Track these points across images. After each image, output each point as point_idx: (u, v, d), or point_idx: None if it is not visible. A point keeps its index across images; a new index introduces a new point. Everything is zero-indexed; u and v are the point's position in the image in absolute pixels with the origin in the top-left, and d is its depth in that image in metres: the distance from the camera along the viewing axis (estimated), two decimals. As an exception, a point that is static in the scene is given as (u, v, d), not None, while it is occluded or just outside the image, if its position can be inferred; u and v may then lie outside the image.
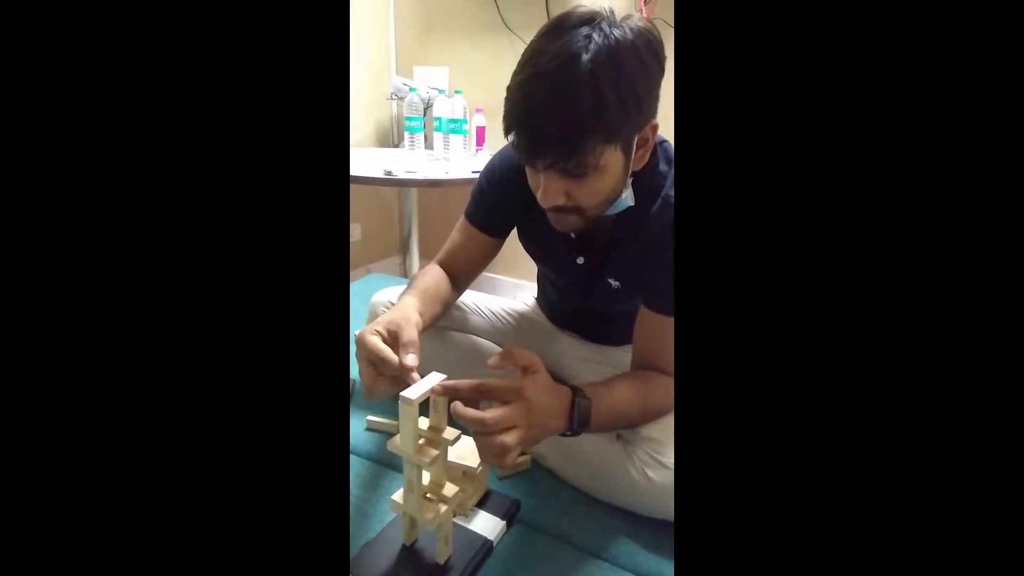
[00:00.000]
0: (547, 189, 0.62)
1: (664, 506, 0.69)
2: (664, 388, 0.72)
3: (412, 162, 1.73)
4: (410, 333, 0.62)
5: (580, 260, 0.78)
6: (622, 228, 0.71)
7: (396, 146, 2.19)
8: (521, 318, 0.99)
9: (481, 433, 0.55)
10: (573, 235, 0.75)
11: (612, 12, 0.58)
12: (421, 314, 0.70)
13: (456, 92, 1.81)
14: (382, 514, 0.71)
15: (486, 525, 0.69)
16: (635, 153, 0.63)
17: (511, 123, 0.59)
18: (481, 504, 0.72)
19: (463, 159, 1.79)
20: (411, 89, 1.83)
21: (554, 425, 0.62)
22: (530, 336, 0.96)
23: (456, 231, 0.88)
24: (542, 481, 0.78)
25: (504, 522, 0.70)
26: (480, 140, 1.89)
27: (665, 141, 0.70)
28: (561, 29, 0.56)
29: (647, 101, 0.60)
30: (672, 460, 0.68)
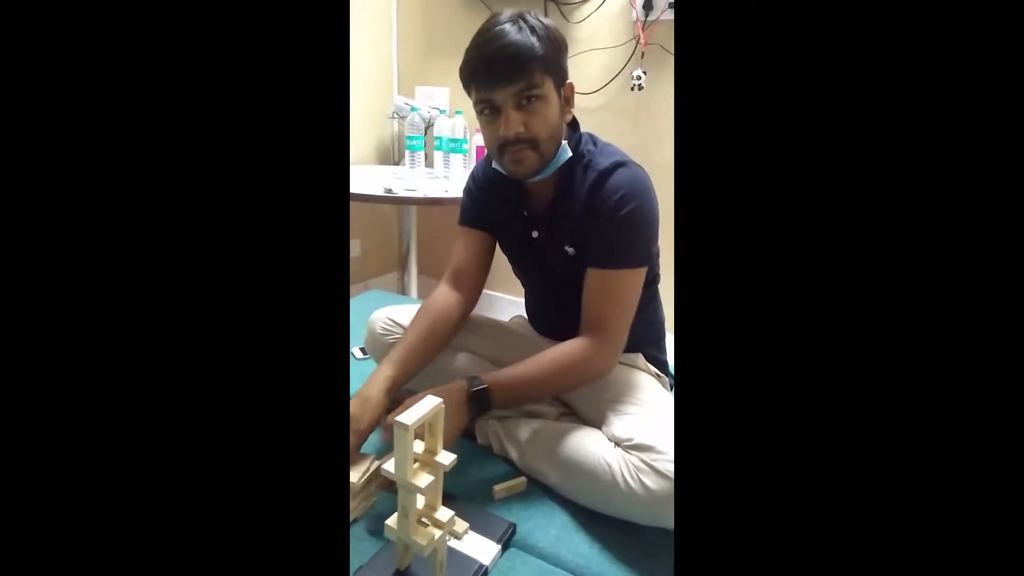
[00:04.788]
0: (508, 119, 0.78)
1: (662, 515, 0.69)
2: (584, 345, 0.81)
3: (412, 180, 1.74)
4: (365, 422, 0.75)
5: (535, 234, 0.89)
6: (559, 192, 0.85)
7: (397, 164, 2.20)
8: (511, 333, 1.00)
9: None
10: (525, 212, 0.90)
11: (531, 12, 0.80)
12: (393, 384, 0.80)
13: (457, 112, 1.83)
14: (375, 538, 0.70)
15: (480, 548, 0.68)
16: (563, 106, 0.81)
17: (471, 73, 0.78)
18: (475, 527, 0.71)
19: (463, 178, 1.80)
20: (412, 108, 1.86)
21: (453, 415, 0.72)
22: (520, 350, 0.96)
23: (456, 243, 0.97)
24: (537, 503, 0.78)
25: (499, 546, 0.69)
26: (479, 160, 1.90)
27: (588, 133, 0.88)
28: (496, 18, 0.78)
29: (563, 59, 0.80)
30: (669, 468, 0.68)
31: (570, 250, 0.85)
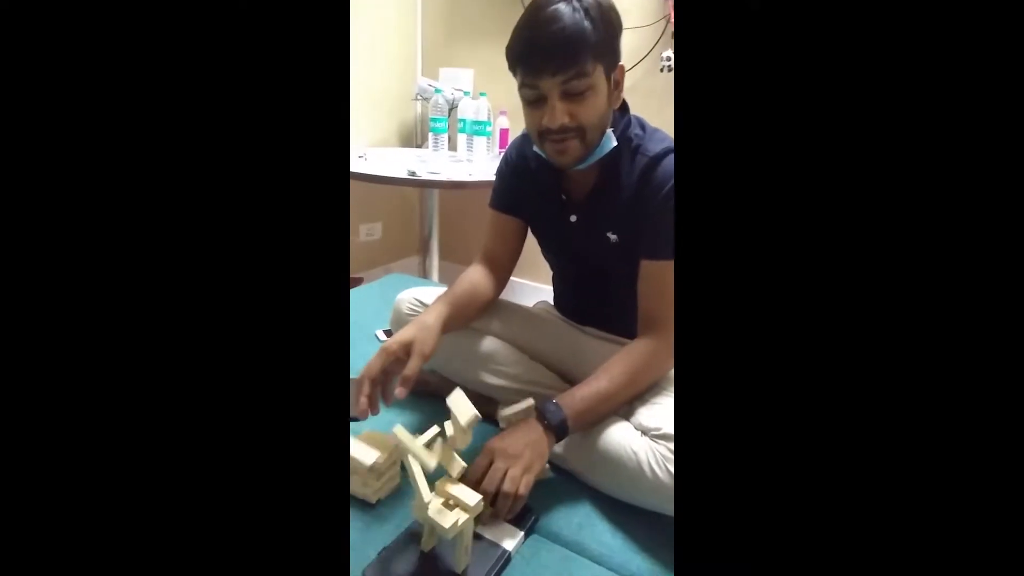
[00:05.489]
0: (554, 108, 0.74)
1: None
2: (647, 347, 0.78)
3: (435, 163, 1.73)
4: (423, 347, 0.74)
5: (573, 218, 0.87)
6: (603, 178, 0.82)
7: (419, 146, 2.19)
8: (536, 319, 0.99)
9: (489, 495, 0.66)
10: (564, 196, 0.87)
11: None
12: (445, 322, 0.80)
13: (480, 94, 1.81)
14: (399, 519, 0.71)
15: (503, 535, 0.68)
16: (612, 91, 0.77)
17: (517, 55, 0.74)
18: (499, 513, 0.71)
19: (486, 161, 1.79)
20: (436, 90, 1.84)
21: (539, 450, 0.71)
22: (549, 337, 0.96)
23: (488, 226, 0.97)
24: (561, 491, 0.77)
25: (522, 532, 0.69)
26: (503, 142, 1.89)
27: (637, 116, 0.85)
28: None
29: (617, 42, 0.76)
30: None
31: (612, 236, 0.83)
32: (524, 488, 0.67)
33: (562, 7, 0.71)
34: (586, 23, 0.70)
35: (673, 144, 0.80)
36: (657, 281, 0.79)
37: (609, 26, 0.73)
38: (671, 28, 1.60)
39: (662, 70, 1.62)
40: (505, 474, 0.67)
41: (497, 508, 0.67)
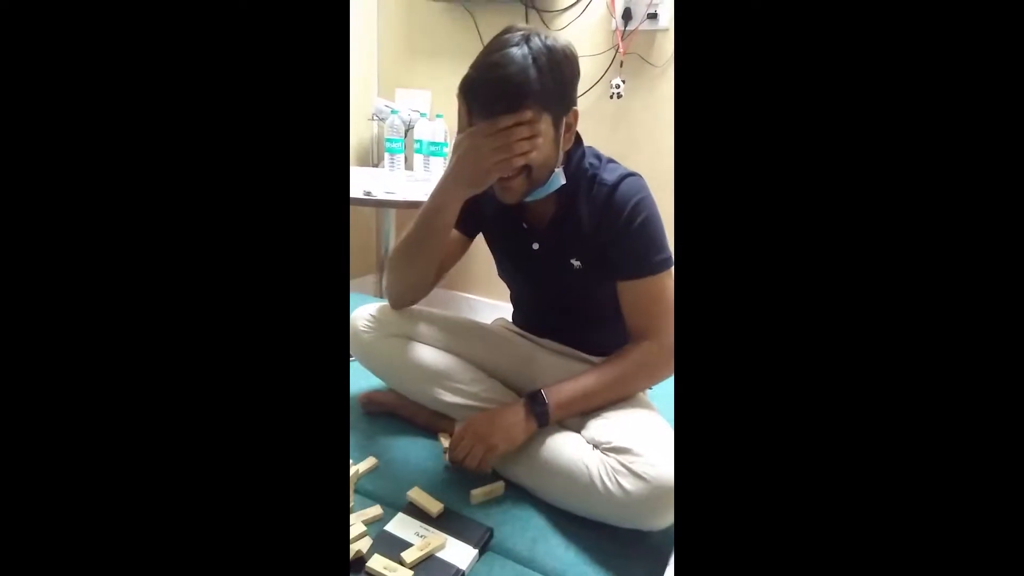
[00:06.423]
0: None
1: (638, 516, 0.70)
2: (639, 353, 0.82)
3: (391, 183, 1.73)
4: None
5: (536, 246, 0.89)
6: (562, 208, 0.85)
7: (376, 166, 2.19)
8: (495, 336, 0.99)
9: (457, 454, 0.79)
10: (525, 225, 0.90)
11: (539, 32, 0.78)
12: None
13: (437, 116, 1.83)
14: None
15: (458, 554, 0.68)
16: (563, 135, 0.79)
17: (467, 91, 0.76)
18: (453, 532, 0.71)
19: (442, 181, 1.80)
20: (392, 111, 1.85)
21: (509, 434, 0.78)
22: (506, 354, 0.96)
23: None
24: (515, 508, 0.78)
25: (476, 550, 0.69)
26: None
27: (591, 148, 0.87)
28: (506, 34, 0.76)
29: (569, 89, 0.78)
30: (647, 470, 0.69)
31: (576, 263, 0.85)
32: (481, 465, 0.78)
33: (513, 51, 0.72)
34: (532, 71, 0.71)
35: (627, 170, 0.83)
36: (641, 298, 0.82)
37: (559, 74, 0.74)
38: (621, 56, 1.67)
39: (611, 96, 1.68)
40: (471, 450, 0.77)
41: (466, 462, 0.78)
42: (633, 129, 1.74)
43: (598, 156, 0.87)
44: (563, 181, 0.82)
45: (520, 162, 0.75)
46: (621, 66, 1.69)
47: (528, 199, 0.83)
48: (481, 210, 0.92)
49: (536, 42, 0.73)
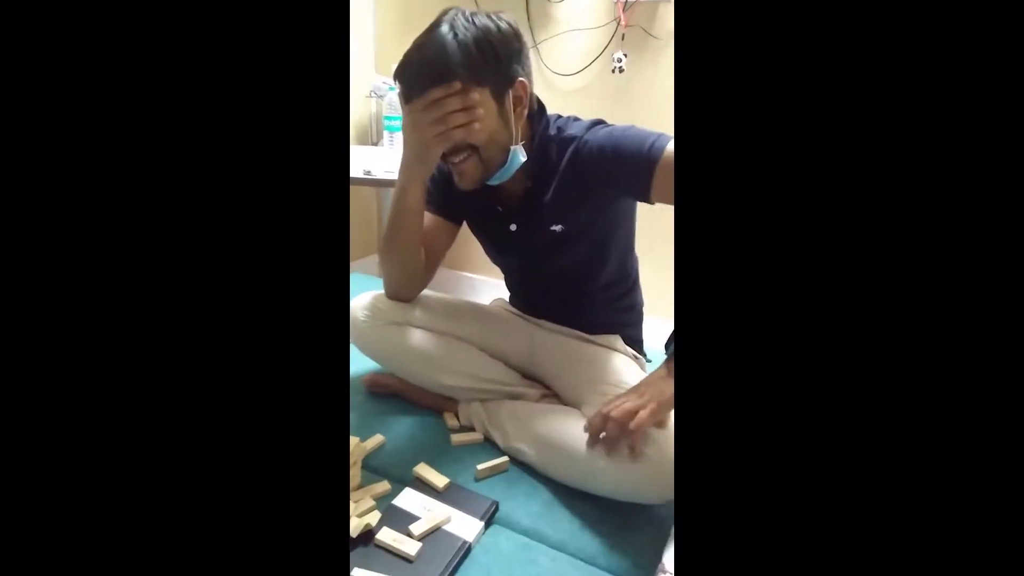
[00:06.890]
0: None
1: (638, 491, 0.71)
2: None
3: (391, 161, 1.72)
4: None
5: (513, 227, 0.88)
6: (534, 182, 0.84)
7: (375, 144, 2.17)
8: (494, 317, 1.00)
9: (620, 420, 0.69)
10: (500, 208, 0.89)
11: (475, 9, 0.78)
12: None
13: (436, 92, 1.81)
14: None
15: (464, 526, 0.70)
16: (512, 110, 0.77)
17: (400, 75, 0.76)
18: (459, 505, 0.73)
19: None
20: (391, 88, 1.83)
21: (660, 393, 0.71)
22: (505, 334, 0.97)
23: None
24: (520, 482, 0.79)
25: (482, 523, 0.71)
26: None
27: (555, 114, 0.85)
28: (441, 16, 0.76)
29: (507, 60, 0.76)
30: (648, 447, 0.70)
31: (557, 228, 0.84)
32: (633, 423, 0.68)
33: (437, 31, 0.74)
34: (453, 45, 0.72)
35: (593, 120, 0.82)
36: (662, 184, 0.74)
37: (488, 47, 0.74)
38: (623, 29, 1.64)
39: (614, 71, 1.66)
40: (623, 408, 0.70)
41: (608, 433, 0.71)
42: (636, 103, 1.71)
43: (562, 119, 0.85)
44: (523, 158, 0.80)
45: (460, 135, 0.74)
46: (623, 39, 1.66)
47: (494, 182, 0.82)
48: (459, 197, 0.90)
49: (460, 19, 0.74)
